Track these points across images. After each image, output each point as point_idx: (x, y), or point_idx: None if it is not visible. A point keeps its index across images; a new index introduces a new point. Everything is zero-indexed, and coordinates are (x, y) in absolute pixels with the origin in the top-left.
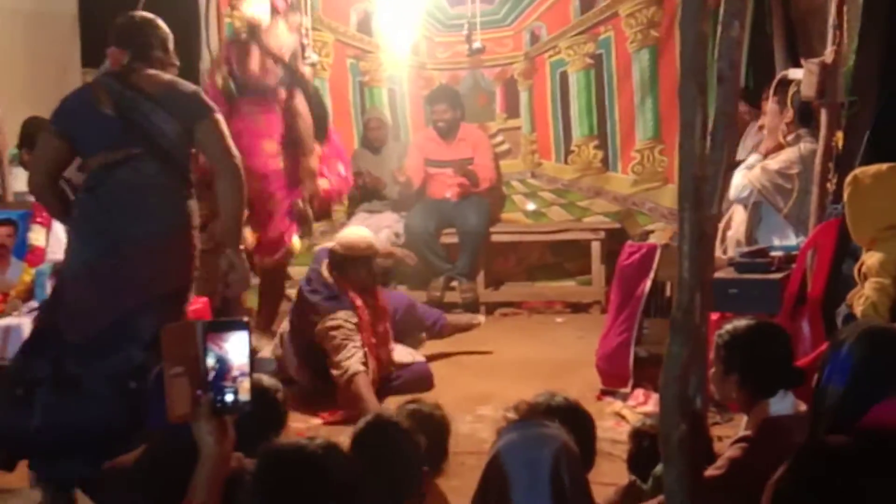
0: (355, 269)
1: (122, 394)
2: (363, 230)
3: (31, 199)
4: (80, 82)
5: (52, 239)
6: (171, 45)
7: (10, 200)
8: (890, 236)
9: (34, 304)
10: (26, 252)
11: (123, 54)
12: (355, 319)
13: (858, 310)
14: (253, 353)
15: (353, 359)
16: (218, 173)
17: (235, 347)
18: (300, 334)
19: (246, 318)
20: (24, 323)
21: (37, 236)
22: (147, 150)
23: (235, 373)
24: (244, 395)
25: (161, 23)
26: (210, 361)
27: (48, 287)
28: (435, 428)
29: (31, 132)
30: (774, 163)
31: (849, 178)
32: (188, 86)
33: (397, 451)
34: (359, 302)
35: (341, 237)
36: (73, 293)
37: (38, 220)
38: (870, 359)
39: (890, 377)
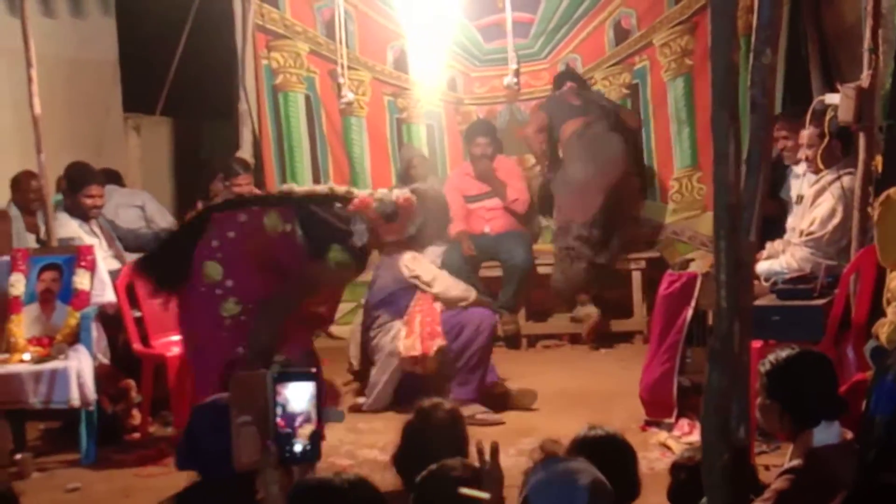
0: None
1: None
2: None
3: (75, 243)
4: (121, 128)
5: (96, 282)
6: None
7: (55, 245)
8: None
9: (80, 347)
10: (71, 296)
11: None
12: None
13: (883, 337)
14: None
15: None
16: None
17: (304, 398)
18: None
19: (314, 370)
20: (70, 366)
21: (81, 280)
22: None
23: (304, 423)
24: (312, 446)
25: None
26: (279, 411)
27: (93, 330)
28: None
29: (74, 177)
30: (818, 228)
31: (881, 198)
32: None
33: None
34: None
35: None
36: None
37: (83, 264)
38: None
39: None
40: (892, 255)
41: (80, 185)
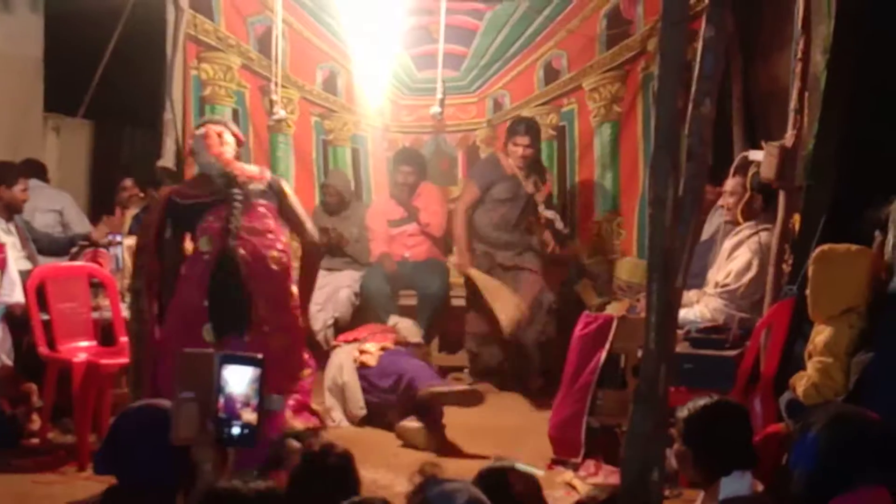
0: None
1: None
2: None
3: None
4: (40, 126)
5: (5, 281)
6: None
7: None
8: (844, 317)
9: None
10: None
11: None
12: None
13: (800, 391)
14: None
15: None
16: None
17: (248, 383)
18: None
19: (261, 356)
20: None
21: None
22: None
23: (245, 408)
24: (250, 431)
25: None
26: (222, 393)
27: (1, 329)
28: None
29: (3, 173)
30: (733, 281)
31: (816, 254)
32: None
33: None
34: None
35: None
36: None
37: None
38: (836, 445)
39: (856, 465)
40: (823, 309)
41: (11, 180)
